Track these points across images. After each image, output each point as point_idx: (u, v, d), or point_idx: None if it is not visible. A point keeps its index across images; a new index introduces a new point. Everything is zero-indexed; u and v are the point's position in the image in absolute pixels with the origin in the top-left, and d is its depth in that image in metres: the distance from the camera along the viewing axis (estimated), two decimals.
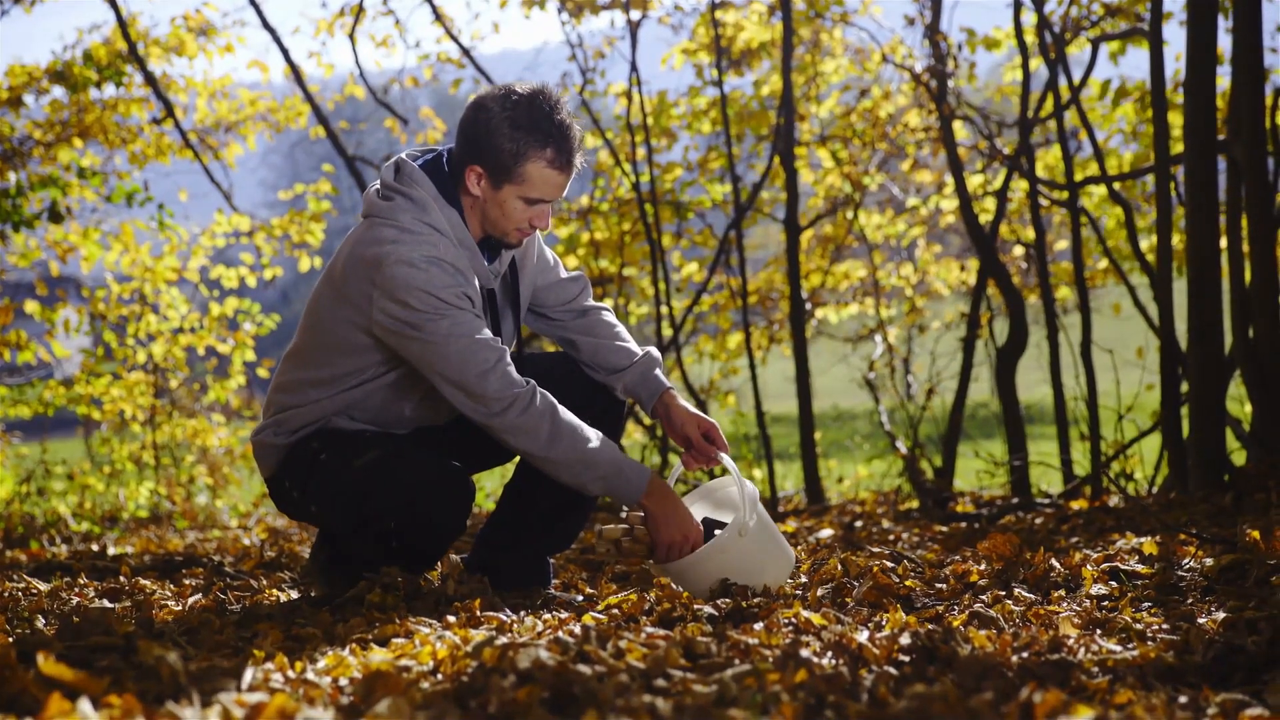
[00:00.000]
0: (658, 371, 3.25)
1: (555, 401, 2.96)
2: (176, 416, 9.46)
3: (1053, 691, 1.61)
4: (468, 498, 3.12)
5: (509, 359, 2.96)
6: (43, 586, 3.63)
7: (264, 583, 3.73)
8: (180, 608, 3.10)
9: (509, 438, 2.95)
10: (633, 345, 3.30)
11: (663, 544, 2.96)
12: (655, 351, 3.28)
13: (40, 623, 2.91)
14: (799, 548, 4.07)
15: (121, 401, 9.09)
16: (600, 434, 2.99)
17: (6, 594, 3.40)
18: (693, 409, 3.20)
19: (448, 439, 3.26)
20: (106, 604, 3.18)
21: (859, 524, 5.40)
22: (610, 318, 3.36)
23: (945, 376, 7.62)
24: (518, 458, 3.33)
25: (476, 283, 3.04)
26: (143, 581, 3.70)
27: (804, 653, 1.97)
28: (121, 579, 3.89)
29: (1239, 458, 5.20)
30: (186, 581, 3.83)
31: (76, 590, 3.53)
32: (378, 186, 3.09)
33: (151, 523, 8.22)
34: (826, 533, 4.78)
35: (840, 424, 14.06)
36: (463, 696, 1.79)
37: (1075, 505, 5.23)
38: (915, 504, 6.44)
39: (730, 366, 8.99)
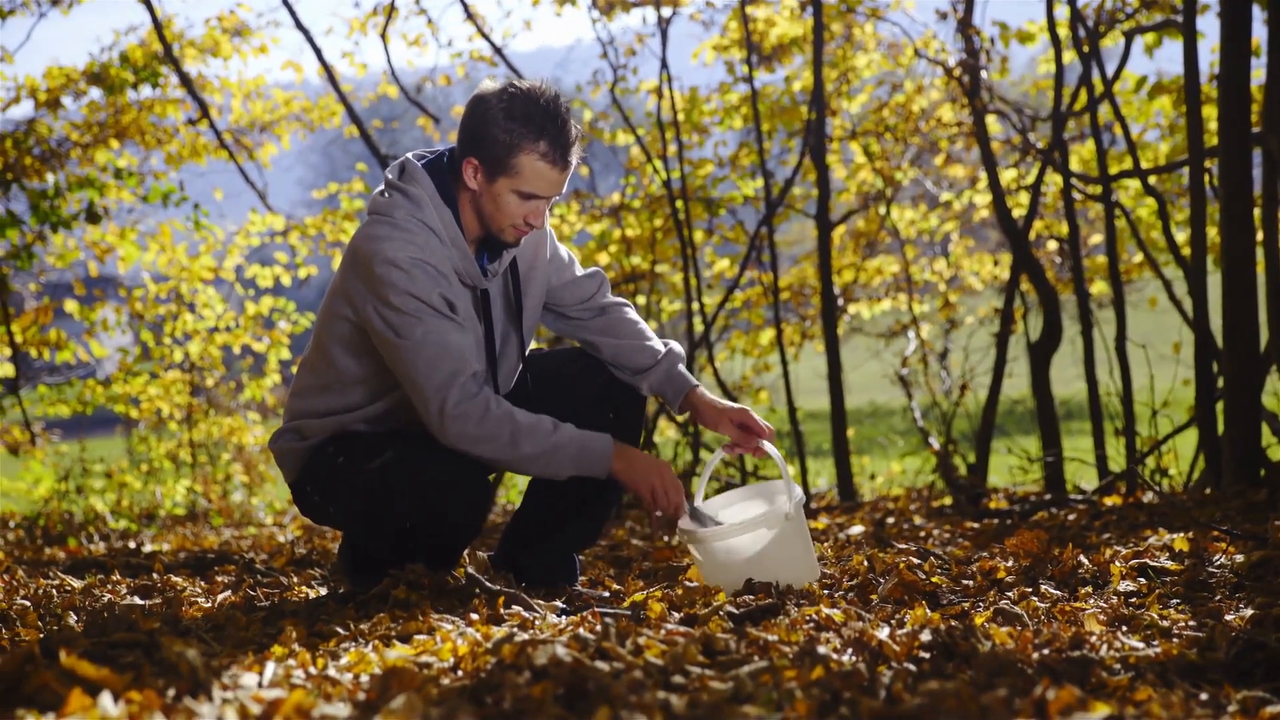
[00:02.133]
0: (681, 368, 3.26)
1: (509, 405, 2.96)
2: (213, 415, 9.55)
3: (1067, 688, 1.60)
4: (483, 496, 3.13)
5: (475, 372, 2.95)
6: (76, 583, 3.67)
7: (294, 579, 3.76)
8: (209, 604, 3.13)
9: (472, 448, 2.95)
10: (655, 342, 3.30)
11: (645, 494, 2.99)
12: (677, 347, 3.30)
13: (71, 619, 2.95)
14: (829, 544, 4.06)
15: (159, 400, 9.19)
16: (553, 420, 2.98)
17: (40, 591, 3.44)
18: (721, 402, 3.21)
19: None
20: (137, 600, 3.21)
21: (890, 520, 5.37)
22: (631, 314, 3.37)
23: (979, 372, 7.58)
24: None
25: (459, 284, 3.04)
26: (174, 578, 3.74)
27: (822, 649, 1.97)
28: (154, 576, 3.93)
29: (1275, 453, 5.14)
30: (218, 579, 3.86)
31: (109, 587, 3.57)
32: (382, 185, 3.12)
33: (188, 520, 8.30)
34: (857, 529, 4.76)
35: (876, 420, 14.01)
36: (479, 693, 1.80)
37: (1109, 501, 5.18)
38: (948, 500, 6.40)
39: (763, 363, 8.97)
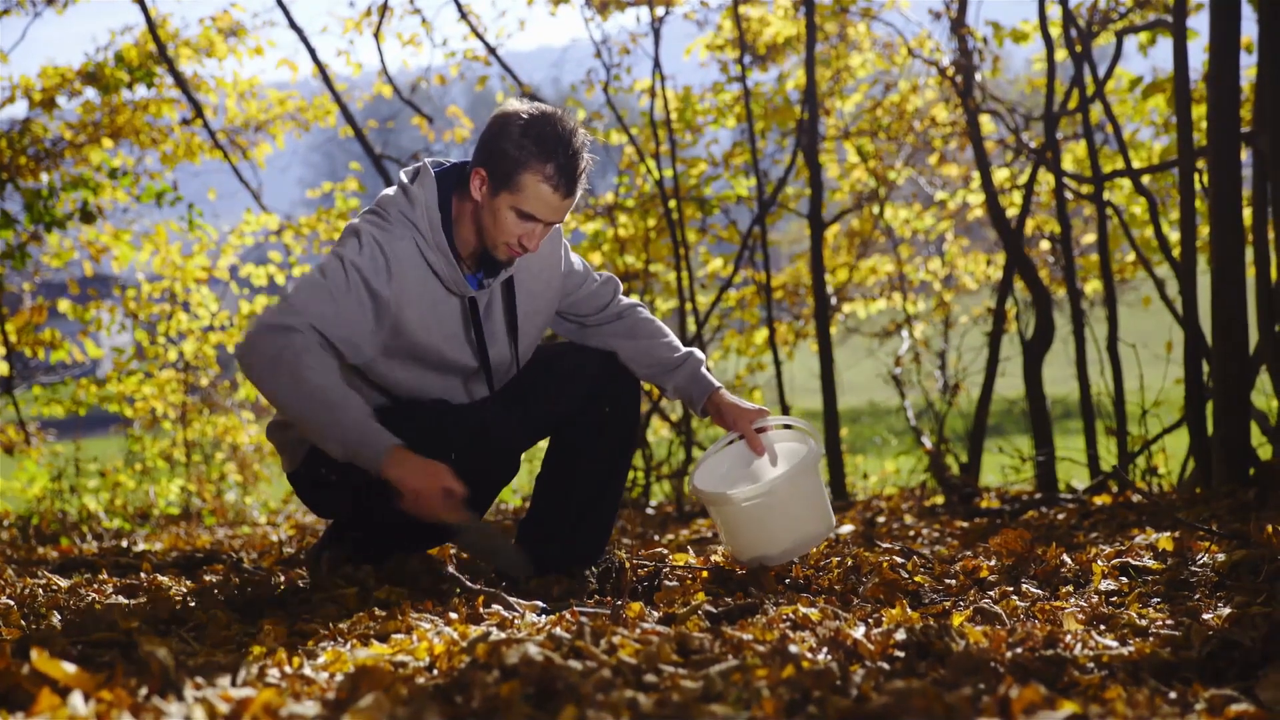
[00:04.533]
0: (704, 370, 3.35)
1: (319, 357, 2.90)
2: (207, 414, 9.56)
3: (1032, 686, 1.60)
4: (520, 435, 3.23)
5: (313, 336, 2.92)
6: (63, 583, 3.66)
7: (281, 579, 3.75)
8: (194, 603, 3.13)
9: (252, 375, 2.93)
10: (674, 341, 3.38)
11: (410, 496, 2.89)
12: (697, 351, 3.39)
13: (55, 619, 2.95)
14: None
15: (153, 399, 9.19)
16: (349, 399, 2.90)
17: (26, 590, 3.44)
18: (743, 403, 3.30)
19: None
20: (121, 600, 3.21)
21: (881, 520, 5.37)
22: (646, 314, 3.44)
23: (973, 371, 7.58)
24: (543, 453, 3.40)
25: (437, 291, 3.09)
26: (161, 578, 3.73)
27: (794, 648, 1.97)
28: (141, 575, 3.92)
29: (1265, 452, 5.14)
30: (206, 578, 3.86)
31: (95, 587, 3.56)
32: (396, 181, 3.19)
33: (182, 520, 8.29)
34: (847, 528, 4.76)
35: (874, 419, 14.01)
36: (449, 692, 1.80)
37: (1099, 500, 5.18)
38: (940, 500, 6.40)
39: (756, 362, 8.97)
